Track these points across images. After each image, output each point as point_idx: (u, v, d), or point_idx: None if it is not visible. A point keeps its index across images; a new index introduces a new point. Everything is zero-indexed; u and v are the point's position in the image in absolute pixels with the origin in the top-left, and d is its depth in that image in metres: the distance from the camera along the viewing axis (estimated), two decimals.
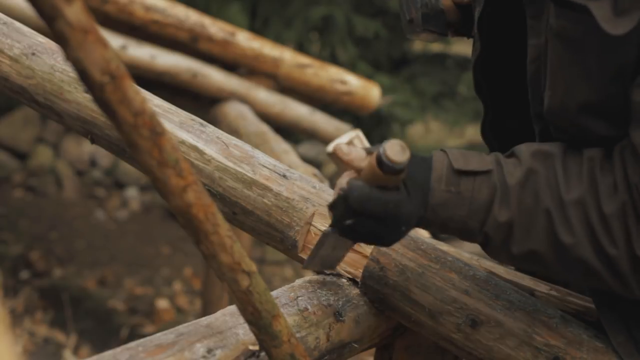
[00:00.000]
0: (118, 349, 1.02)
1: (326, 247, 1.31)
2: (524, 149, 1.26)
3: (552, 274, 1.28)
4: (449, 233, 1.28)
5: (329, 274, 1.42)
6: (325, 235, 1.29)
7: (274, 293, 1.26)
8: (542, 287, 1.44)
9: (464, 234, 1.26)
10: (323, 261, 1.34)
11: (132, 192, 6.51)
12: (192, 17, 4.03)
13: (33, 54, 1.52)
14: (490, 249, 1.27)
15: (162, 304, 5.04)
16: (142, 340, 1.06)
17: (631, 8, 1.12)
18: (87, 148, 6.54)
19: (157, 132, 0.85)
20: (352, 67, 6.08)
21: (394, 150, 1.14)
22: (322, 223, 1.43)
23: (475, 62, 1.47)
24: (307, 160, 3.65)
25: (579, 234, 1.19)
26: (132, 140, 0.85)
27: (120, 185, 6.57)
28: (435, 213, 1.24)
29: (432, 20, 1.50)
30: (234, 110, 3.96)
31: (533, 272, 1.45)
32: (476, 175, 1.24)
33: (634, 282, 1.19)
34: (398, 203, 1.18)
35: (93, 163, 6.61)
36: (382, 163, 1.15)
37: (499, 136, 1.55)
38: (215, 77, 4.12)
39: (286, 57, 4.29)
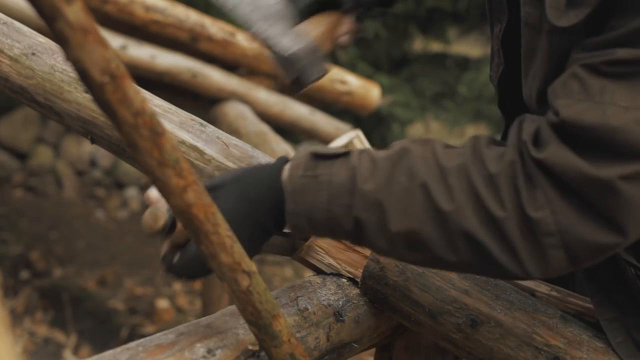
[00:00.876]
0: (118, 349, 1.02)
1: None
2: None
3: (439, 261, 1.15)
4: (320, 232, 1.19)
5: (329, 274, 1.42)
6: None
7: (274, 293, 1.26)
8: (542, 287, 1.44)
9: (335, 227, 1.17)
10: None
11: (132, 192, 6.51)
12: (192, 17, 4.03)
13: (33, 54, 1.52)
14: (367, 236, 1.16)
15: (162, 304, 5.04)
16: (142, 340, 1.06)
17: (582, 2, 1.10)
18: (87, 148, 6.54)
19: (157, 132, 0.85)
20: (352, 67, 6.08)
21: (147, 221, 1.15)
22: None
23: (500, 77, 1.43)
24: None
25: (460, 200, 1.11)
26: (132, 140, 0.85)
27: (120, 185, 6.57)
28: (295, 202, 1.17)
29: (313, 71, 1.38)
30: (234, 110, 3.97)
31: (415, 264, 1.31)
32: (335, 159, 1.18)
33: (524, 250, 1.10)
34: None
35: (93, 163, 6.61)
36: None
37: None
38: (215, 77, 4.12)
39: None
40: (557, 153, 1.08)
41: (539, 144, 1.10)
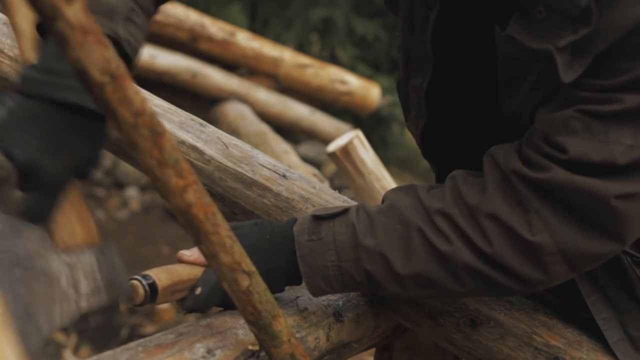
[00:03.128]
0: (118, 349, 1.03)
1: None
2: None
3: (451, 293, 1.23)
4: (337, 288, 1.25)
5: None
6: None
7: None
8: None
9: (349, 281, 1.24)
10: None
11: (132, 192, 6.51)
12: (192, 17, 4.03)
13: None
14: (379, 284, 1.23)
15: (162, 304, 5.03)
16: (142, 340, 1.06)
17: (587, 52, 1.11)
18: None
19: (157, 132, 0.85)
20: (352, 68, 6.08)
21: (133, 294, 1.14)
22: None
23: (423, 130, 1.43)
24: (307, 160, 3.65)
25: (453, 241, 1.18)
26: (132, 140, 0.85)
27: (120, 185, 6.57)
28: (307, 265, 1.24)
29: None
30: (234, 110, 3.97)
31: (430, 298, 1.36)
32: (335, 218, 1.26)
33: (526, 271, 1.17)
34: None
35: None
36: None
37: None
38: (215, 77, 4.12)
39: (286, 57, 4.29)
40: (559, 176, 1.13)
41: (535, 168, 1.15)
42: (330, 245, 1.24)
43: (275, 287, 1.23)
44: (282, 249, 1.25)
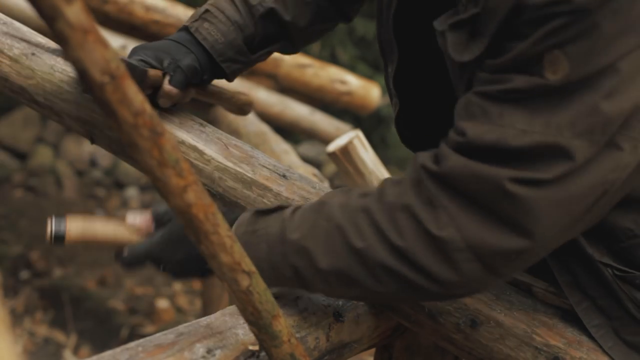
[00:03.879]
0: (118, 349, 1.03)
1: None
2: None
3: (373, 294, 1.23)
4: (271, 282, 1.21)
5: None
6: None
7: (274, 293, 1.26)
8: (540, 283, 1.44)
9: (279, 275, 1.24)
10: None
11: (132, 192, 6.51)
12: None
13: (33, 54, 1.52)
14: (305, 279, 1.23)
15: (162, 304, 5.03)
16: (142, 340, 1.06)
17: (482, 34, 1.13)
18: (87, 148, 6.54)
19: (157, 132, 0.85)
20: (352, 68, 6.08)
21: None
22: None
23: (397, 117, 1.46)
24: (307, 160, 3.65)
25: (368, 237, 1.17)
26: (132, 140, 0.85)
27: (120, 185, 6.57)
28: None
29: None
30: None
31: (359, 300, 1.38)
32: (271, 213, 1.27)
33: (438, 269, 1.14)
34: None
35: (93, 163, 6.61)
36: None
37: None
38: None
39: (286, 57, 4.29)
40: (454, 162, 1.13)
41: (437, 161, 1.15)
42: (262, 238, 1.24)
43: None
44: None
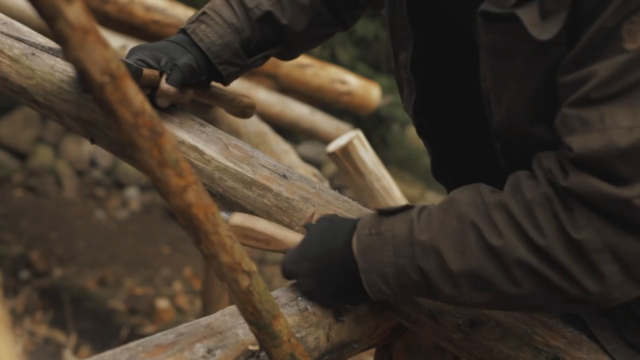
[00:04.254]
0: (118, 349, 1.02)
1: None
2: None
3: (506, 298, 1.18)
4: (394, 288, 1.23)
5: None
6: None
7: (274, 293, 1.26)
8: None
9: (404, 279, 1.21)
10: None
11: (132, 192, 6.51)
12: None
13: (33, 54, 1.52)
14: (433, 283, 1.20)
15: (162, 304, 5.03)
16: (142, 340, 1.06)
17: (556, 9, 1.10)
18: (87, 148, 6.54)
19: (157, 132, 0.85)
20: (352, 68, 6.08)
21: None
22: None
23: (414, 105, 1.44)
24: (307, 160, 3.65)
25: (506, 234, 1.14)
26: (132, 140, 0.85)
27: (120, 185, 6.57)
28: (365, 259, 1.23)
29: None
30: None
31: (487, 307, 1.32)
32: (396, 214, 1.24)
33: (578, 270, 1.11)
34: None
35: (93, 163, 6.61)
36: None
37: (454, 173, 1.53)
38: None
39: None
40: (578, 180, 1.10)
41: (563, 170, 1.12)
42: (388, 240, 1.22)
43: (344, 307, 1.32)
44: (343, 244, 1.27)
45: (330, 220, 1.32)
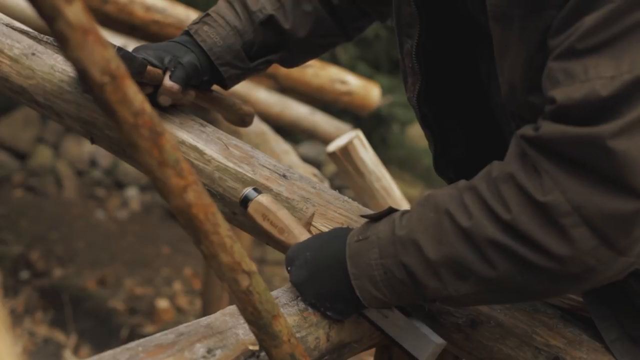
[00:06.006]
0: (118, 349, 1.02)
1: (394, 333, 1.36)
2: None
3: (485, 284, 1.17)
4: (383, 291, 1.24)
5: None
6: None
7: (274, 293, 1.26)
8: None
9: (392, 279, 1.22)
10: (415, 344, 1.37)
11: (132, 192, 6.51)
12: (192, 17, 4.02)
13: (33, 54, 1.52)
14: (418, 279, 1.20)
15: (162, 304, 5.04)
16: (142, 340, 1.06)
17: None
18: (87, 148, 6.54)
19: (157, 132, 0.85)
20: (352, 68, 6.08)
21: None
22: (322, 223, 1.43)
23: (418, 95, 1.44)
24: (307, 160, 3.65)
25: (475, 214, 1.14)
26: (132, 140, 0.85)
27: (120, 185, 6.57)
28: (355, 265, 1.25)
29: None
30: None
31: (473, 301, 1.29)
32: (381, 219, 1.27)
33: (547, 239, 1.09)
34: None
35: (93, 163, 6.61)
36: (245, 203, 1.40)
37: (456, 166, 1.54)
38: None
39: None
40: (549, 129, 1.10)
41: (536, 129, 1.12)
42: (373, 243, 1.24)
43: (344, 316, 1.31)
44: (337, 270, 1.28)
45: (341, 228, 1.34)
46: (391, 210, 1.27)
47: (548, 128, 1.10)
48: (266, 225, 1.37)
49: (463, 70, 1.45)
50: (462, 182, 1.21)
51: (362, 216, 1.30)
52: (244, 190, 1.40)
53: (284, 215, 1.37)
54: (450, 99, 1.47)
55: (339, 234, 1.31)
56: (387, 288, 1.23)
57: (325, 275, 1.28)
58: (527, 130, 1.13)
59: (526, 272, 1.13)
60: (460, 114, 1.49)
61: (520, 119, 1.24)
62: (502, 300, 1.31)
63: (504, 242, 1.12)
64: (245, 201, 1.39)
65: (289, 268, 1.32)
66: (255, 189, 1.40)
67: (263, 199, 1.39)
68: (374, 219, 1.28)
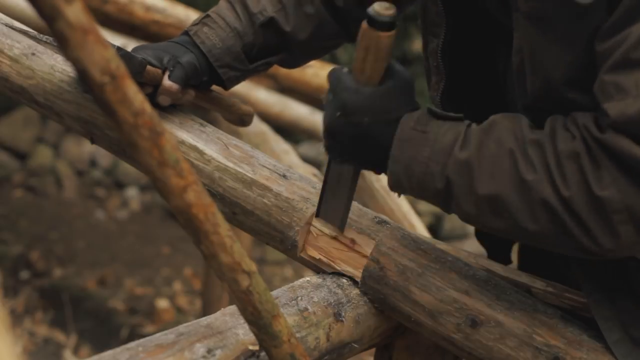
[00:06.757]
0: (118, 349, 1.03)
1: (330, 185, 1.40)
2: None
3: (520, 230, 1.23)
4: (413, 185, 1.26)
5: (329, 274, 1.42)
6: (326, 172, 1.41)
7: (274, 293, 1.26)
8: (538, 283, 1.44)
9: (428, 182, 1.25)
10: (331, 209, 1.42)
11: (132, 192, 6.51)
12: (192, 17, 4.02)
13: (33, 54, 1.52)
14: (455, 197, 1.24)
15: (162, 304, 5.04)
16: (142, 340, 1.06)
17: None
18: (87, 148, 6.54)
19: (157, 132, 0.85)
20: None
21: (382, 6, 1.23)
22: (322, 223, 1.43)
23: (442, 94, 1.46)
24: (307, 160, 3.65)
25: (539, 171, 1.18)
26: (132, 140, 0.85)
27: (120, 185, 6.57)
28: (400, 149, 1.26)
29: None
30: None
31: (499, 232, 1.35)
32: (446, 120, 1.27)
33: (595, 225, 1.17)
34: (386, 92, 1.28)
35: (93, 163, 6.61)
36: (373, 20, 1.22)
37: None
38: None
39: None
40: (614, 138, 1.14)
41: (600, 127, 1.16)
42: (429, 142, 1.24)
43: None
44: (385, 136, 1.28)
45: (407, 81, 1.31)
46: (459, 118, 1.27)
47: (612, 137, 1.15)
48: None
49: (482, 68, 1.47)
50: (527, 126, 1.22)
51: (429, 109, 1.28)
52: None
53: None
54: (471, 97, 1.49)
55: (399, 104, 1.29)
56: (418, 185, 1.26)
57: (354, 141, 1.29)
58: (590, 124, 1.17)
59: (564, 238, 1.20)
60: (479, 111, 1.50)
61: (539, 111, 1.27)
62: (519, 240, 1.38)
63: (558, 210, 1.18)
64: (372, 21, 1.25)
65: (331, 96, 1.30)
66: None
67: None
68: (437, 115, 1.27)
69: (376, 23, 1.23)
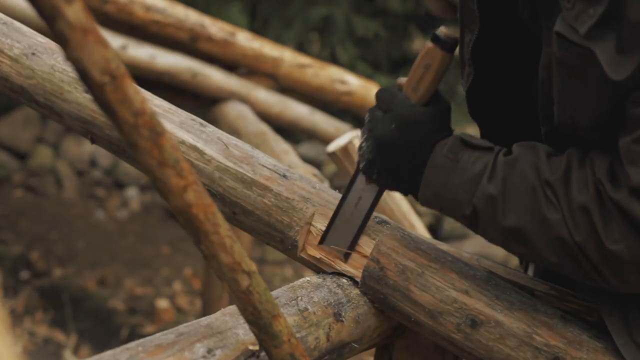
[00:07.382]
0: (118, 349, 1.02)
1: (344, 210, 1.42)
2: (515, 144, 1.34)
3: (541, 259, 1.30)
4: (441, 207, 1.33)
5: (329, 274, 1.42)
6: (351, 180, 1.43)
7: (274, 293, 1.26)
8: (541, 286, 1.44)
9: (456, 208, 1.31)
10: (340, 235, 1.42)
11: (132, 192, 6.51)
12: (192, 17, 4.03)
13: (33, 54, 1.52)
14: (480, 224, 1.30)
15: (162, 304, 5.04)
16: (142, 340, 1.06)
17: (633, 48, 1.13)
18: (87, 148, 6.54)
19: (157, 132, 0.85)
20: (352, 68, 6.08)
21: (448, 29, 1.34)
22: (322, 223, 1.43)
23: (470, 86, 1.48)
24: (307, 160, 3.65)
25: (554, 212, 1.23)
26: (132, 140, 0.85)
27: (120, 185, 6.57)
28: (431, 175, 1.32)
29: None
30: (234, 110, 3.96)
31: (523, 257, 1.45)
32: (476, 150, 1.31)
33: (606, 271, 1.22)
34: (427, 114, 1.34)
35: (93, 163, 6.61)
36: (440, 39, 1.33)
37: None
38: (215, 77, 4.12)
39: (286, 57, 4.29)
40: (630, 203, 1.18)
41: (615, 182, 1.19)
42: (459, 170, 1.30)
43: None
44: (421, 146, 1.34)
45: (449, 107, 1.38)
46: (490, 148, 1.31)
47: (624, 199, 1.18)
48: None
49: (510, 69, 1.49)
50: (544, 161, 1.26)
51: (461, 137, 1.33)
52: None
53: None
54: (497, 94, 1.52)
55: (440, 127, 1.35)
56: (445, 206, 1.33)
57: (400, 157, 1.34)
58: (605, 179, 1.20)
59: (579, 270, 1.26)
60: (504, 109, 1.54)
61: (561, 133, 1.30)
62: (543, 266, 1.45)
63: (573, 249, 1.23)
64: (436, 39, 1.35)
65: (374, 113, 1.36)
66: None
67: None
68: (469, 144, 1.31)
69: (442, 43, 1.33)
